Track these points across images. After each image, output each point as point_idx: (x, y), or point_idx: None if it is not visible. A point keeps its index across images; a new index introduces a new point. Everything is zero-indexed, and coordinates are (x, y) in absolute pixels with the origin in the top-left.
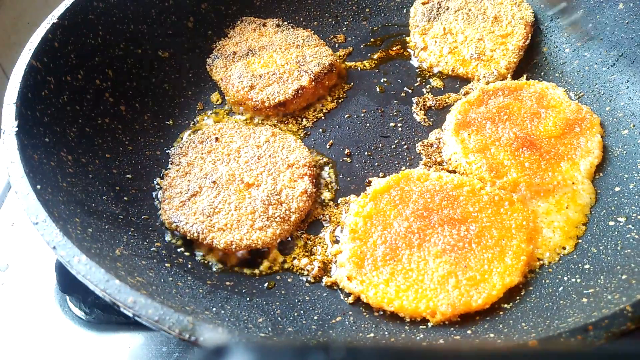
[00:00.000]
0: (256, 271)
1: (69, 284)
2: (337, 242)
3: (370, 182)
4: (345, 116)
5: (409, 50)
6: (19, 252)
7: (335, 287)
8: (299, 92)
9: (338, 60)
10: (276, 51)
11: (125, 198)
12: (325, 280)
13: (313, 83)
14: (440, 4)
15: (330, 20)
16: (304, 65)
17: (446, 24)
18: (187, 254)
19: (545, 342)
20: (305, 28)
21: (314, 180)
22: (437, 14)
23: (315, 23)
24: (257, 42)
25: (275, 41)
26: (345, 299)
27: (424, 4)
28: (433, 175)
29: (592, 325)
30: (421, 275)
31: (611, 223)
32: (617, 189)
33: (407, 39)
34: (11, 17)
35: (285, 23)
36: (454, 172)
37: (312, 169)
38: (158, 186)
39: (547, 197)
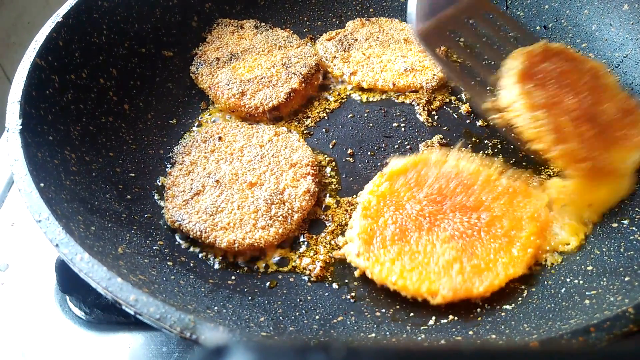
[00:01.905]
0: (259, 270)
1: (69, 284)
2: (338, 247)
3: (387, 162)
4: (349, 116)
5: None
6: (19, 252)
7: (337, 286)
8: (291, 94)
9: (322, 59)
10: (260, 54)
11: (129, 196)
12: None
13: (303, 84)
14: (346, 37)
15: (334, 20)
16: (290, 67)
17: (363, 50)
18: (189, 252)
19: (546, 343)
20: (284, 28)
21: (317, 180)
22: (349, 45)
23: (319, 23)
24: (238, 45)
25: (256, 44)
26: (347, 297)
27: (329, 40)
28: (450, 161)
29: (594, 327)
30: (427, 258)
31: (615, 225)
32: None
33: (329, 70)
34: (11, 17)
35: (263, 24)
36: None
37: (314, 168)
38: (161, 185)
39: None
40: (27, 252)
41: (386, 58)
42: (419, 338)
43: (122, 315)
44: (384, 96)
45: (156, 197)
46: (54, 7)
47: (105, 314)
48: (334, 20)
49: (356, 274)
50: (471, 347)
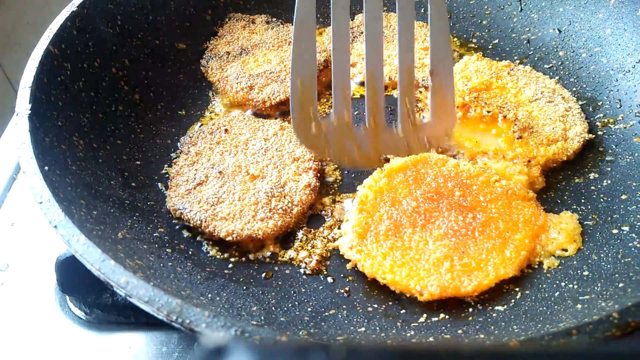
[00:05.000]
0: (256, 261)
1: (69, 284)
2: (334, 239)
3: (388, 159)
4: (355, 113)
5: None
6: (19, 252)
7: (332, 280)
8: None
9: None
10: (270, 49)
11: (133, 184)
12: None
13: None
14: (352, 29)
15: None
16: None
17: None
18: (189, 240)
19: (526, 343)
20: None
21: (318, 175)
22: (353, 37)
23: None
24: (249, 40)
25: (267, 39)
26: (341, 291)
27: None
28: (451, 162)
29: (576, 329)
30: (418, 254)
31: (615, 231)
32: (623, 197)
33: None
34: (11, 17)
35: (274, 19)
36: None
37: (317, 163)
38: (166, 174)
39: None
40: (27, 252)
41: (387, 53)
42: (408, 334)
43: (122, 316)
44: (391, 93)
45: (160, 185)
46: (54, 7)
47: (105, 314)
48: None
49: (348, 266)
50: (471, 347)
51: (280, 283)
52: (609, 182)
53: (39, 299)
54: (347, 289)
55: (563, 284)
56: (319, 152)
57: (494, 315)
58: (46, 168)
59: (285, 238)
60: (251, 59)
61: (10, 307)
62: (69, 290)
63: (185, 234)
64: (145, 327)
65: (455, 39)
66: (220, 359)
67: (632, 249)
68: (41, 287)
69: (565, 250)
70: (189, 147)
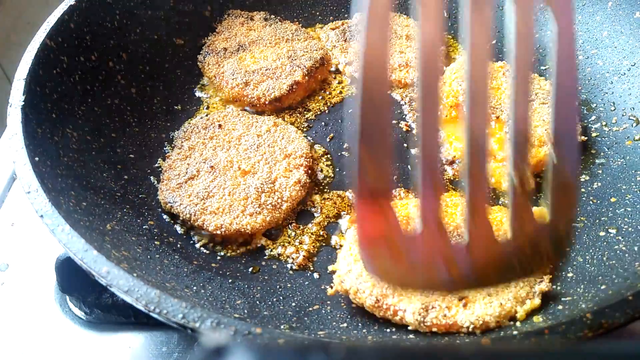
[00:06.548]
0: (243, 255)
1: (69, 284)
2: (325, 237)
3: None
4: (349, 111)
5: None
6: (19, 252)
7: (318, 276)
8: (293, 87)
9: (329, 54)
10: (267, 46)
11: (126, 177)
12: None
13: (306, 77)
14: (349, 28)
15: (346, 16)
16: (295, 59)
17: None
18: (178, 234)
19: (497, 342)
20: (294, 22)
21: (309, 172)
22: (351, 35)
23: (331, 18)
24: (247, 37)
25: (264, 36)
26: (326, 287)
27: (333, 29)
28: None
29: (548, 329)
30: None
31: (602, 233)
32: (613, 199)
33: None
34: (11, 17)
35: (273, 16)
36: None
37: (308, 160)
38: (159, 167)
39: None
40: (27, 252)
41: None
42: (388, 330)
43: (122, 316)
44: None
45: (153, 179)
46: (54, 7)
47: (105, 314)
48: (345, 16)
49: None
50: (471, 347)
51: (266, 278)
52: (599, 184)
53: (39, 299)
54: (332, 284)
55: None
56: (400, 282)
57: None
58: (36, 159)
59: (274, 233)
60: (248, 56)
61: (10, 307)
62: (69, 290)
63: (175, 227)
64: (145, 327)
65: (452, 39)
66: (220, 359)
67: (618, 251)
68: (41, 287)
69: None
70: (182, 142)
